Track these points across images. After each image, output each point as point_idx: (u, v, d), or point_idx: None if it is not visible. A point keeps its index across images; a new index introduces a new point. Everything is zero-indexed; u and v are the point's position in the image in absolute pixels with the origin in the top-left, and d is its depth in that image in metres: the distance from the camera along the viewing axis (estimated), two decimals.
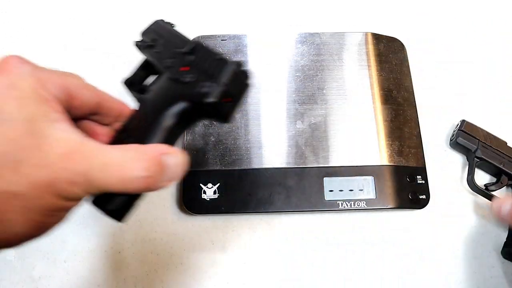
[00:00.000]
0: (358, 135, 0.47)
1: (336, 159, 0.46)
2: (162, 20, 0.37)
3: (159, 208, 0.46)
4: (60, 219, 0.24)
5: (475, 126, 0.49)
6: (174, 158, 0.25)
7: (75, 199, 0.22)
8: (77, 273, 0.43)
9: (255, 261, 0.44)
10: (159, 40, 0.36)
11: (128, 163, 0.23)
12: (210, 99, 0.28)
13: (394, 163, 0.46)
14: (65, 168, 0.21)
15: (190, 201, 0.44)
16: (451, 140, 0.50)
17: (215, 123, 0.47)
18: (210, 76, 0.30)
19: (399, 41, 0.53)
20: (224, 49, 0.51)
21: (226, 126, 0.47)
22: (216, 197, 0.44)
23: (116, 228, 0.45)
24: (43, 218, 0.22)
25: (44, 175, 0.21)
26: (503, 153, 0.48)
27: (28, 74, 0.22)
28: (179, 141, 0.48)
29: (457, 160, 0.50)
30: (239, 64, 0.30)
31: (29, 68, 0.23)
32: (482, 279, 0.44)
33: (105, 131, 0.29)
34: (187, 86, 0.30)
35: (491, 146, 0.48)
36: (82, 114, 0.27)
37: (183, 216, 0.46)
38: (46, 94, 0.22)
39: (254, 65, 0.50)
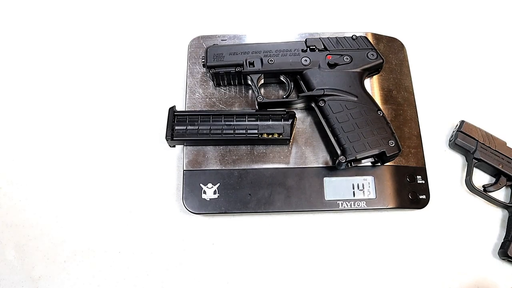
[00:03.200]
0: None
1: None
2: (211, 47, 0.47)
3: (159, 208, 0.46)
4: None
5: (474, 126, 0.49)
6: None
7: None
8: (77, 273, 0.43)
9: (255, 261, 0.44)
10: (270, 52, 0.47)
11: None
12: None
13: (394, 163, 0.46)
14: None
15: (190, 201, 0.44)
16: (450, 140, 0.51)
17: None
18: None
19: (399, 41, 0.53)
20: None
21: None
22: (216, 197, 0.44)
23: (116, 228, 0.45)
24: None
25: None
26: (502, 154, 0.48)
27: None
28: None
29: (457, 160, 0.50)
30: None
31: None
32: (481, 279, 0.44)
33: None
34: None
35: (489, 147, 0.48)
36: None
37: (183, 216, 0.46)
38: None
39: None
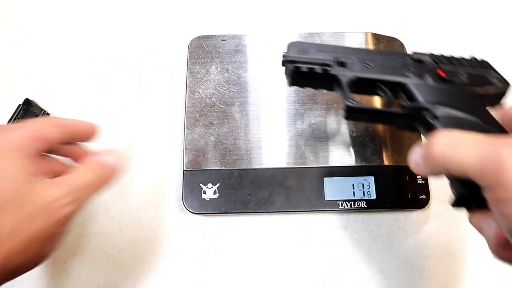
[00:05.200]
0: (358, 135, 0.47)
1: (336, 159, 0.46)
2: (294, 43, 0.40)
3: (159, 208, 0.46)
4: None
5: None
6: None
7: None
8: (77, 273, 0.43)
9: (255, 261, 0.44)
10: (345, 56, 0.39)
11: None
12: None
13: (394, 163, 0.46)
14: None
15: (190, 201, 0.44)
16: None
17: (214, 123, 0.47)
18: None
19: (399, 41, 0.53)
20: (224, 49, 0.51)
21: (225, 126, 0.47)
22: (216, 197, 0.44)
23: (116, 228, 0.45)
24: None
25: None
26: None
27: (18, 153, 0.28)
28: (180, 140, 0.48)
29: None
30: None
31: (9, 138, 0.29)
32: (482, 279, 0.44)
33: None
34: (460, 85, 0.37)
35: None
36: (62, 142, 0.34)
37: (183, 216, 0.46)
38: (24, 154, 0.29)
39: (253, 65, 0.50)
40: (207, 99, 0.48)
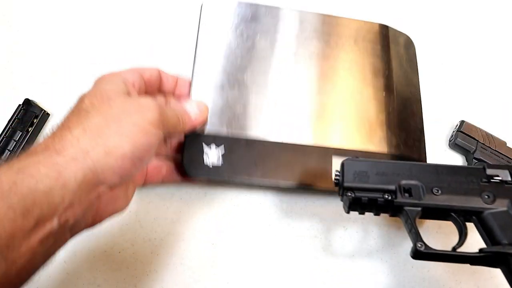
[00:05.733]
0: (366, 121, 0.46)
1: (343, 142, 0.45)
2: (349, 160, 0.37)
3: (159, 208, 0.46)
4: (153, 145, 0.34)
5: (475, 126, 0.49)
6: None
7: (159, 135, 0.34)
8: (77, 273, 0.43)
9: (255, 261, 0.44)
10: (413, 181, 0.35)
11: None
12: None
13: (398, 152, 0.46)
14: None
15: (190, 164, 0.42)
16: (450, 141, 0.51)
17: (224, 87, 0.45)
18: None
19: (409, 37, 0.53)
20: (239, 14, 0.48)
21: (235, 91, 0.45)
22: (220, 165, 0.43)
23: (116, 228, 0.45)
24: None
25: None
26: (502, 154, 0.48)
27: (118, 77, 0.37)
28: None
29: (457, 160, 0.50)
30: None
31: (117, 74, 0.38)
32: (482, 279, 0.44)
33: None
34: None
35: (489, 147, 0.48)
36: (154, 87, 0.42)
37: (183, 216, 0.46)
38: (130, 85, 0.37)
39: (270, 34, 0.48)
40: (218, 64, 0.46)
